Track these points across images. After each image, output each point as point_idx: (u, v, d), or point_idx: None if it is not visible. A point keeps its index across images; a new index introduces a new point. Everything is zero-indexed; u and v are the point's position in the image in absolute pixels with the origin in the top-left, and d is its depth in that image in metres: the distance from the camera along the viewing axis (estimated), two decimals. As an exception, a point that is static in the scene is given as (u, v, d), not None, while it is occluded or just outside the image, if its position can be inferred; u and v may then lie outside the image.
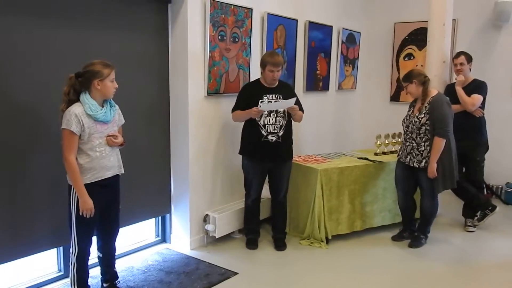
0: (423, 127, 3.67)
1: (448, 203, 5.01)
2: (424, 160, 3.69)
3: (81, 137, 2.54)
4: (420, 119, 3.67)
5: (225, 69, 3.90)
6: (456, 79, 4.40)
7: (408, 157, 3.80)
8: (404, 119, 3.90)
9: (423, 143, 3.69)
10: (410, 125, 3.79)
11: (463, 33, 5.51)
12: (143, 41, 3.48)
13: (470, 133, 4.22)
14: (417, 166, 3.73)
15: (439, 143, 3.61)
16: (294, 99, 3.56)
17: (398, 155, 3.98)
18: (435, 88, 3.88)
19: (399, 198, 4.04)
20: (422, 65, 5.70)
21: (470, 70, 4.32)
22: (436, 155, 3.62)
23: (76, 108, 2.52)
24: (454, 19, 4.85)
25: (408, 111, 3.91)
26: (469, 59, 4.28)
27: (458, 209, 4.58)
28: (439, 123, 3.59)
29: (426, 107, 3.68)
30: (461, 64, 4.26)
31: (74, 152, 2.53)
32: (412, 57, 5.98)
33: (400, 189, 4.00)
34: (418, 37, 5.85)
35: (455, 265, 3.65)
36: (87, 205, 2.56)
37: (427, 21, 4.68)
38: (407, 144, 3.83)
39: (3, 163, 2.70)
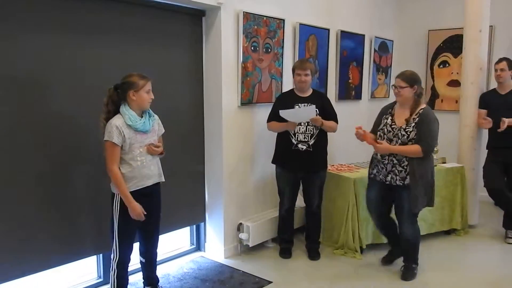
0: (410, 143, 3.21)
1: (489, 214, 4.89)
2: (408, 177, 3.22)
3: (122, 147, 2.63)
4: (409, 133, 3.19)
5: (258, 79, 3.96)
6: (497, 88, 4.29)
7: (390, 175, 3.30)
8: (382, 129, 3.36)
9: (404, 158, 3.22)
10: (394, 138, 3.26)
11: (500, 39, 5.39)
12: (178, 53, 3.58)
13: None
14: (400, 184, 3.25)
15: (416, 151, 3.16)
16: (313, 107, 3.48)
17: (371, 173, 3.47)
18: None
19: (375, 220, 3.61)
20: (458, 73, 5.60)
21: (511, 77, 4.20)
22: (403, 152, 3.20)
23: (116, 120, 2.62)
24: (491, 26, 4.75)
25: (384, 119, 3.39)
26: (510, 65, 4.17)
27: (498, 219, 4.45)
28: (426, 138, 3.17)
29: (414, 119, 3.22)
30: (502, 70, 4.14)
31: (117, 162, 2.63)
32: (447, 65, 5.88)
33: (375, 212, 3.55)
34: (453, 45, 5.75)
35: (493, 278, 3.53)
36: (136, 210, 2.65)
37: (462, 28, 4.61)
38: (386, 162, 3.30)
39: (47, 174, 2.83)
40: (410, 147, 3.18)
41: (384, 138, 3.32)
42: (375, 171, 3.43)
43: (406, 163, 3.22)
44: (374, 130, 3.49)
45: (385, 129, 3.33)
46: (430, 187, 3.31)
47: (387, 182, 3.33)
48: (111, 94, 2.66)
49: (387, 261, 3.72)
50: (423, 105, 3.28)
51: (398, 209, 3.40)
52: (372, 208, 3.56)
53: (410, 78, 3.25)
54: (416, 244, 3.47)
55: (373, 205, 3.54)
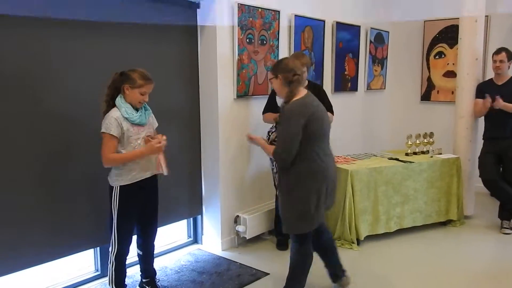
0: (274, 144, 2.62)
1: (484, 204, 4.91)
2: (278, 188, 2.63)
3: (120, 140, 2.63)
4: (270, 134, 2.62)
5: (253, 72, 3.94)
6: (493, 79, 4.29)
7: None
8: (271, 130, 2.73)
9: (275, 167, 2.65)
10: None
11: (496, 30, 5.38)
12: (173, 46, 3.56)
13: (510, 131, 4.11)
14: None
15: (272, 154, 2.59)
16: None
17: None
18: (305, 90, 2.70)
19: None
20: (453, 63, 5.60)
21: (509, 67, 4.19)
22: (267, 153, 2.69)
23: (115, 113, 2.61)
24: (487, 16, 4.74)
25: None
26: (510, 56, 4.14)
27: (494, 210, 4.47)
28: (278, 140, 2.55)
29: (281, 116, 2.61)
30: (501, 61, 4.13)
31: (113, 153, 2.61)
32: (443, 55, 5.87)
33: None
34: (448, 35, 5.74)
35: (489, 268, 3.56)
36: (152, 147, 2.64)
37: (458, 18, 4.60)
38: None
39: (43, 165, 2.82)
40: (269, 148, 2.65)
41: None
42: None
43: (275, 170, 2.53)
44: None
45: (274, 129, 2.70)
46: (304, 206, 2.55)
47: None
48: (115, 78, 2.66)
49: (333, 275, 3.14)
50: (300, 95, 2.61)
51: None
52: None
53: (273, 68, 2.70)
54: (293, 269, 2.82)
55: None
